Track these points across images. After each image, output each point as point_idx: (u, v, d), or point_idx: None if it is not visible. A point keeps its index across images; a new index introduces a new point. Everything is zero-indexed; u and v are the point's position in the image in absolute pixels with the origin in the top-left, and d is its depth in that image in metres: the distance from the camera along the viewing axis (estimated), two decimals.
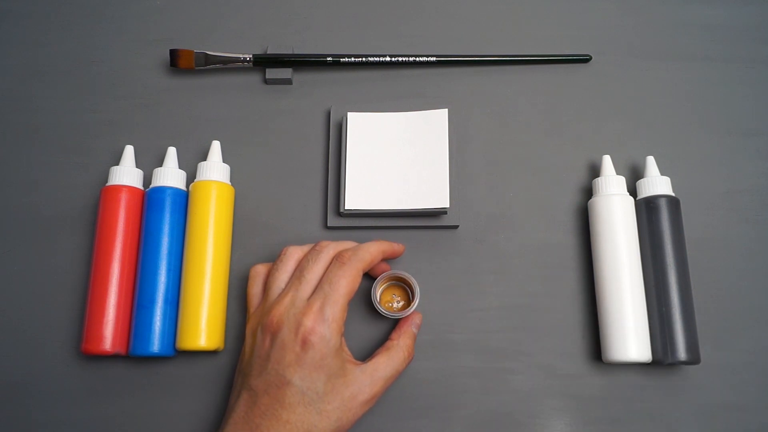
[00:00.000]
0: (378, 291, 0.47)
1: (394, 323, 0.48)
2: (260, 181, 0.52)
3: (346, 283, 0.42)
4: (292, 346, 0.40)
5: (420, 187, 0.48)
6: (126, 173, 0.48)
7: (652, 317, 0.45)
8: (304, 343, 0.39)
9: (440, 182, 0.48)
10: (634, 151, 0.52)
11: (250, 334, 0.43)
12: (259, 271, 0.46)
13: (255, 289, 0.45)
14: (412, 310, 0.45)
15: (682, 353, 0.44)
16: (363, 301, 0.48)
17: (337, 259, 0.43)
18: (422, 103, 0.52)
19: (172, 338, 0.46)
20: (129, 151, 0.50)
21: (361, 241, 0.49)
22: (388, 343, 0.44)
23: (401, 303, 0.47)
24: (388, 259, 0.48)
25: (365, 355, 0.46)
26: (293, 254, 0.45)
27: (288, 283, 0.44)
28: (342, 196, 0.49)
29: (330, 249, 0.44)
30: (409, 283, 0.46)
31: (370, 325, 0.48)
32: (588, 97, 0.54)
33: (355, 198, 0.48)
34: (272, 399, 0.39)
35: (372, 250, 0.44)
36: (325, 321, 0.40)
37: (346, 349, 0.43)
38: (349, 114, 0.51)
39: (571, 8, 0.57)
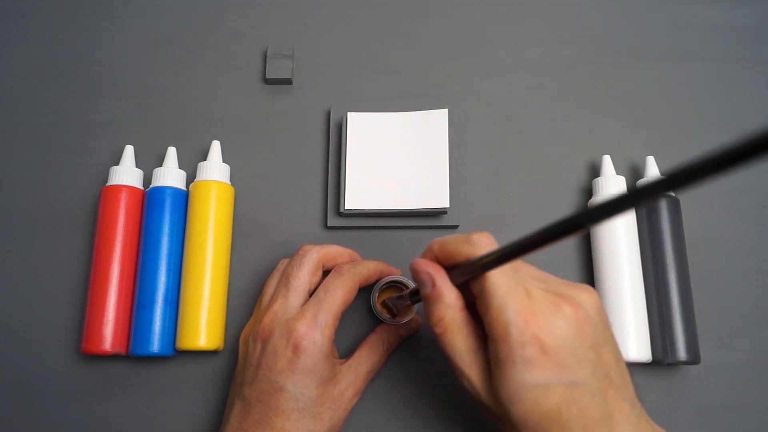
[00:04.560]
0: (378, 296, 0.47)
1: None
2: (260, 181, 0.52)
3: (342, 293, 0.42)
4: (283, 352, 0.39)
5: (420, 187, 0.48)
6: (126, 173, 0.48)
7: (652, 317, 0.45)
8: (296, 349, 0.39)
9: (440, 182, 0.48)
10: (634, 151, 0.52)
11: (242, 343, 0.44)
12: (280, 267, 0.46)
13: (270, 282, 0.46)
14: (412, 315, 0.45)
15: (682, 353, 0.44)
16: (364, 304, 0.48)
17: (336, 269, 0.43)
18: (422, 103, 0.52)
19: (171, 338, 0.46)
20: (129, 151, 0.50)
21: (360, 241, 0.50)
22: (371, 336, 0.45)
23: None
24: None
25: None
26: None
27: (275, 290, 0.44)
28: (342, 196, 0.49)
29: (313, 253, 0.44)
30: (409, 288, 0.46)
31: (370, 329, 0.48)
32: (588, 97, 0.54)
33: (355, 198, 0.48)
34: (265, 407, 0.39)
35: (370, 267, 0.44)
36: (317, 327, 0.40)
37: (335, 351, 0.43)
38: (349, 114, 0.51)
39: (571, 8, 0.57)
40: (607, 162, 0.49)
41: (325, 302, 0.41)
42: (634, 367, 0.47)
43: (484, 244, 0.34)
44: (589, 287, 0.35)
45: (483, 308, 0.33)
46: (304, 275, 0.43)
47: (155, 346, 0.45)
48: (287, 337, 0.40)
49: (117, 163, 0.49)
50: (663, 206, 0.47)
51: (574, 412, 0.31)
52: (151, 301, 0.45)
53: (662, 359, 0.44)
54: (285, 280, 0.43)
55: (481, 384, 0.34)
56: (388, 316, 0.46)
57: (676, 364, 0.45)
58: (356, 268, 0.43)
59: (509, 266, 0.33)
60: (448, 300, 0.35)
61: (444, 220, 0.49)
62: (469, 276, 0.34)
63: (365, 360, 0.43)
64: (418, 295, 0.40)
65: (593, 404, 0.31)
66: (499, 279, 0.32)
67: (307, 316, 0.40)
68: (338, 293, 0.41)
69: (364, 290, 0.48)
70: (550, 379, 0.31)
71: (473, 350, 0.34)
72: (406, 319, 0.45)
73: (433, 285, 0.35)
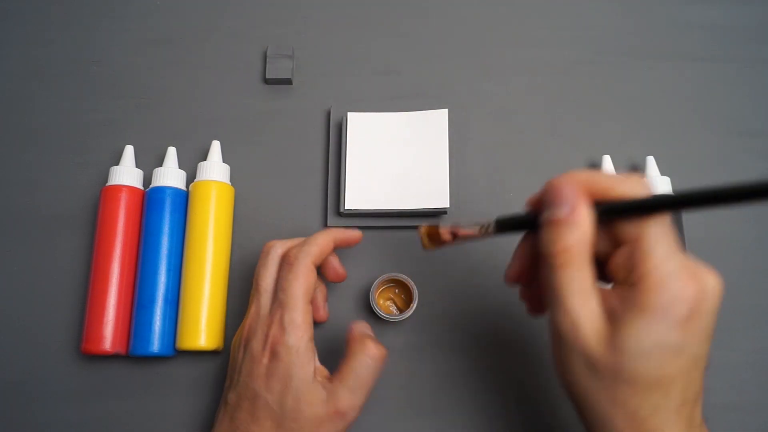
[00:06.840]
0: (376, 294, 0.47)
1: (392, 326, 0.48)
2: (260, 181, 0.52)
3: (299, 284, 0.40)
4: (260, 358, 0.39)
5: (420, 187, 0.48)
6: (126, 173, 0.48)
7: None
8: (272, 355, 0.39)
9: (440, 182, 0.48)
10: (634, 151, 0.52)
11: (232, 347, 0.43)
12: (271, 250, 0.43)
13: (260, 271, 0.43)
14: (410, 313, 0.45)
15: None
16: (363, 304, 0.48)
17: (285, 261, 0.41)
18: (422, 103, 0.52)
19: (172, 338, 0.46)
20: (129, 151, 0.50)
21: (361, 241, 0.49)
22: (351, 345, 0.40)
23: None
24: (344, 247, 0.46)
25: None
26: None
27: (251, 295, 0.43)
28: (342, 196, 0.49)
29: (277, 248, 0.43)
30: (408, 286, 0.46)
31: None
32: (588, 97, 0.54)
33: (355, 198, 0.48)
34: (245, 413, 0.39)
35: (320, 241, 0.42)
36: (285, 329, 0.39)
37: (317, 362, 0.40)
38: (349, 114, 0.51)
39: (571, 8, 0.57)
40: (607, 162, 0.49)
41: (286, 302, 0.39)
42: None
43: (646, 186, 0.32)
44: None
45: (639, 254, 0.30)
46: (270, 275, 0.42)
47: (155, 346, 0.45)
48: (263, 343, 0.39)
49: (117, 163, 0.49)
50: None
51: (680, 386, 0.30)
52: (151, 301, 0.45)
53: None
54: (255, 283, 0.42)
55: (590, 327, 0.30)
56: (388, 313, 0.46)
57: None
58: (304, 249, 0.41)
59: (665, 222, 0.31)
60: (584, 228, 0.31)
61: (444, 220, 0.49)
62: (625, 214, 0.31)
63: (353, 374, 0.39)
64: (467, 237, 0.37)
65: (698, 382, 0.31)
66: (666, 227, 0.30)
67: (276, 320, 0.39)
68: (294, 286, 0.40)
69: (364, 290, 0.48)
70: (685, 344, 0.29)
71: (589, 291, 0.31)
72: (408, 314, 0.45)
73: (573, 209, 0.31)
